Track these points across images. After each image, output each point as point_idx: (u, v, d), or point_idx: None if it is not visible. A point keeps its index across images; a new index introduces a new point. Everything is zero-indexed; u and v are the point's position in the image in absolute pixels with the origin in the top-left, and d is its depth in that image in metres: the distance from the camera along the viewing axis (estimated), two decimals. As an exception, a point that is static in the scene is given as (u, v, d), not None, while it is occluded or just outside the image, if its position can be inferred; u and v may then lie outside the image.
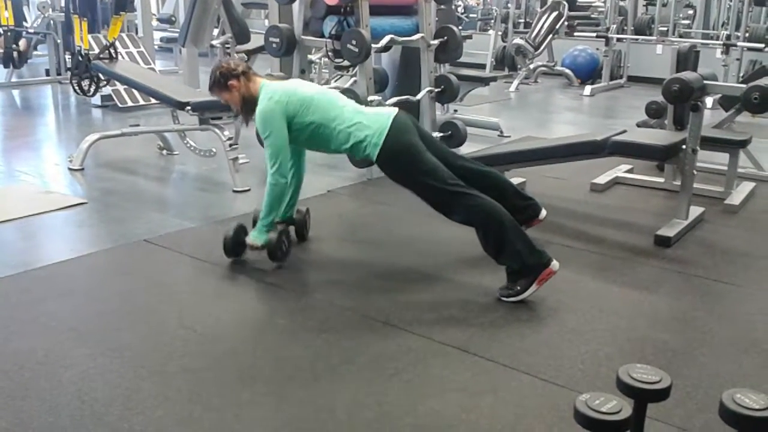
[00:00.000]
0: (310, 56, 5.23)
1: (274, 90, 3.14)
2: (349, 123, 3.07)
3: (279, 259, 3.15)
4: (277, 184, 3.11)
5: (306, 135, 3.13)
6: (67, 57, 8.43)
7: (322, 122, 3.10)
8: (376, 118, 3.06)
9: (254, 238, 3.15)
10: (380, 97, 5.07)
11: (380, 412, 2.11)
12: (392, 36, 4.98)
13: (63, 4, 8.89)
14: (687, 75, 3.78)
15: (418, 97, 5.26)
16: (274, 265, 3.16)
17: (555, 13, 9.65)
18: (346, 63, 5.20)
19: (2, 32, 7.98)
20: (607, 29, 10.09)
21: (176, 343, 2.51)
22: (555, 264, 2.88)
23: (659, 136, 4.15)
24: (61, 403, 2.12)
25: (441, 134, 5.39)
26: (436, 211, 3.05)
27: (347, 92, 4.75)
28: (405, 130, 3.05)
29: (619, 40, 10.00)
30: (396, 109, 3.14)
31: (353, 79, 5.42)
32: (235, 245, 3.20)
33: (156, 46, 9.57)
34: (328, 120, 3.09)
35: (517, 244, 2.87)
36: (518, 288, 2.87)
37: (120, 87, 6.89)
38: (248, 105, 3.20)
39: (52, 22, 8.72)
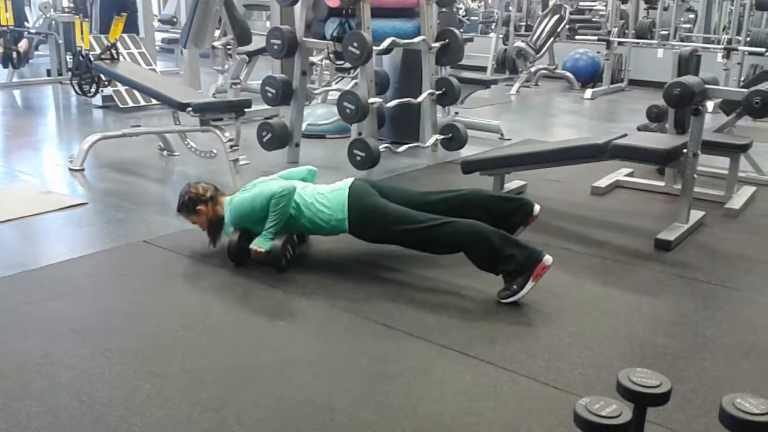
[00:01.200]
0: (311, 58, 5.24)
1: (235, 196, 3.31)
2: (312, 209, 3.19)
3: (283, 268, 3.15)
4: (284, 194, 3.12)
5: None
6: (69, 57, 8.44)
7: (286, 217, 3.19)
8: (334, 196, 3.19)
9: (259, 244, 3.15)
10: (381, 99, 5.07)
11: (380, 415, 2.11)
12: (394, 38, 4.98)
13: (65, 5, 8.92)
14: (688, 79, 3.78)
15: (419, 99, 5.26)
16: (274, 265, 3.16)
17: (556, 17, 9.66)
18: (347, 65, 5.21)
19: (2, 32, 7.98)
20: (609, 33, 10.09)
21: (176, 344, 2.51)
22: (548, 258, 2.88)
23: (660, 140, 4.15)
24: (61, 403, 2.11)
25: (442, 137, 5.40)
26: (428, 253, 3.14)
27: (348, 95, 4.76)
28: (363, 195, 3.17)
29: (620, 43, 10.01)
30: (351, 179, 3.27)
31: (354, 81, 5.42)
32: (240, 251, 3.20)
33: (157, 47, 9.59)
34: (291, 211, 3.19)
35: (507, 249, 2.88)
36: (515, 287, 2.87)
37: (121, 88, 6.89)
38: (215, 226, 3.34)
39: (53, 22, 8.73)
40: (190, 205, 3.33)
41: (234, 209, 3.23)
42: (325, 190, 3.25)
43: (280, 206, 3.11)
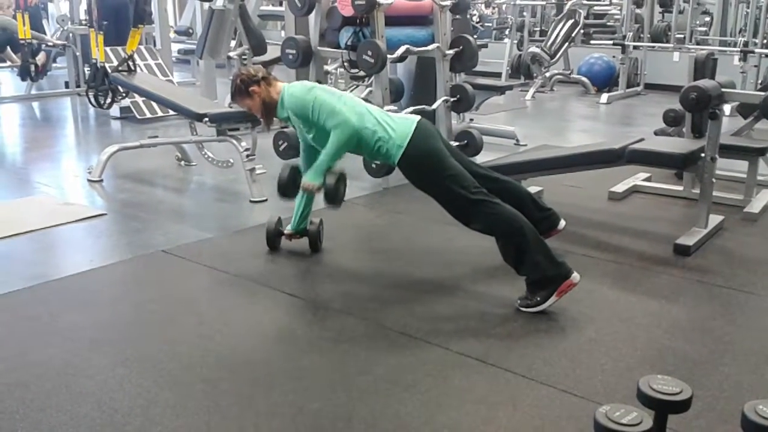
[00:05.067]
0: (326, 67, 5.26)
1: (298, 85, 3.22)
2: (374, 123, 3.06)
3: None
4: (344, 129, 3.01)
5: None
6: (86, 69, 8.53)
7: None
8: (401, 122, 3.08)
9: (311, 179, 3.12)
10: (396, 107, 5.08)
11: (398, 424, 2.11)
12: (408, 46, 4.99)
13: (81, 17, 9.01)
14: (705, 83, 3.76)
15: (434, 106, 5.26)
16: (291, 274, 3.17)
17: (571, 21, 9.63)
18: (361, 73, 5.23)
19: (20, 46, 8.07)
20: (624, 37, 10.05)
21: (194, 353, 2.52)
22: (575, 276, 2.86)
23: (677, 144, 4.13)
24: (81, 413, 2.13)
25: (457, 143, 5.39)
26: (456, 220, 3.04)
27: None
28: (429, 135, 3.05)
29: (635, 47, 9.96)
30: (419, 117, 3.15)
31: (369, 89, 5.44)
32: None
33: (174, 58, 9.66)
34: (355, 116, 3.06)
35: (538, 255, 2.85)
36: (538, 299, 2.85)
37: (138, 99, 6.96)
38: (269, 110, 3.24)
39: (71, 35, 8.83)
40: (242, 87, 3.24)
41: (294, 103, 3.11)
42: (394, 115, 3.16)
43: (341, 145, 3.03)
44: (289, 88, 3.20)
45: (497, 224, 2.91)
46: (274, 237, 3.47)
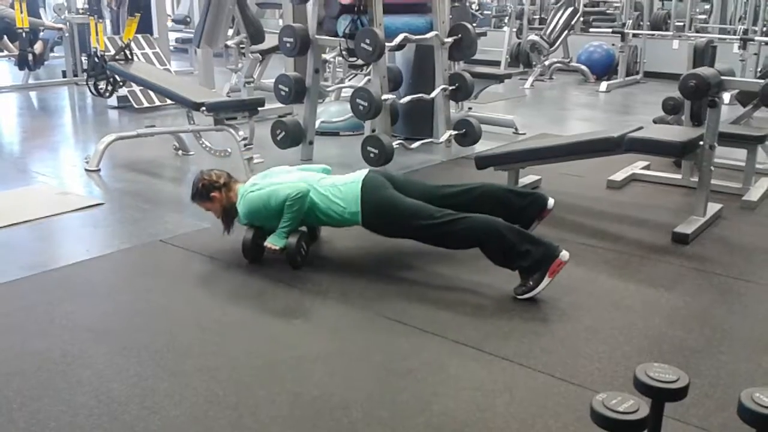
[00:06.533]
0: (324, 55, 5.24)
1: (248, 185, 3.27)
2: (325, 201, 3.17)
3: (298, 264, 3.16)
4: (298, 197, 3.11)
5: None
6: (84, 58, 8.51)
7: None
8: (347, 188, 3.16)
9: (273, 241, 3.16)
10: (394, 96, 5.06)
11: (395, 412, 2.11)
12: (406, 34, 4.97)
13: (79, 6, 8.97)
14: (704, 70, 3.75)
15: (433, 95, 5.25)
16: (288, 263, 3.17)
17: (570, 9, 9.60)
18: (360, 62, 5.21)
19: (17, 34, 8.04)
20: (623, 25, 10.02)
21: (193, 342, 2.53)
22: (564, 254, 2.86)
23: (676, 133, 4.12)
24: (79, 402, 2.13)
25: (456, 132, 5.38)
26: (437, 247, 3.13)
27: (361, 92, 4.75)
28: (376, 188, 3.14)
29: (635, 35, 9.94)
30: (366, 171, 3.24)
31: (367, 78, 5.42)
32: (254, 248, 3.21)
33: (171, 47, 9.63)
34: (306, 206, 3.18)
35: (522, 245, 2.87)
36: (531, 283, 2.86)
37: (136, 88, 6.94)
38: (228, 214, 3.32)
39: (68, 23, 8.79)
40: (203, 192, 3.32)
41: (247, 205, 3.21)
42: (339, 182, 3.23)
43: (295, 208, 3.12)
44: (242, 204, 3.23)
45: (473, 235, 2.96)
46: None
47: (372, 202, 3.12)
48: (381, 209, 3.12)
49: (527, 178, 4.53)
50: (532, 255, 2.85)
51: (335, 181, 3.26)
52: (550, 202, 3.31)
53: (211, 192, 3.31)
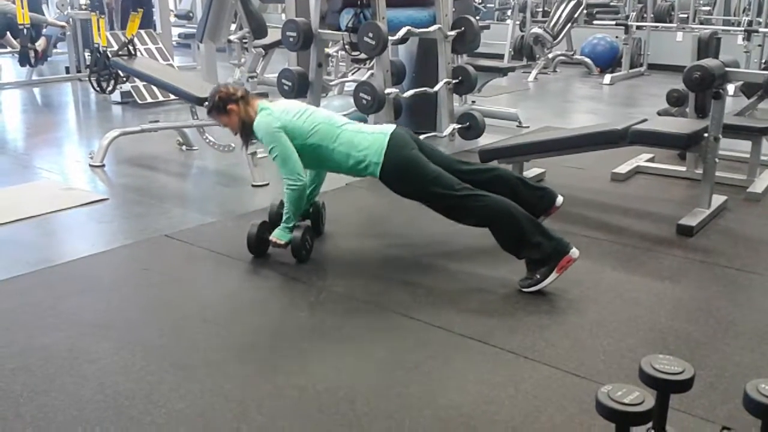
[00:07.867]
0: (327, 49, 5.23)
1: (272, 108, 3.20)
2: (348, 143, 3.10)
3: (303, 258, 3.16)
4: (294, 188, 3.11)
5: (306, 155, 3.16)
6: (87, 54, 8.50)
7: (321, 143, 3.13)
8: (374, 137, 3.08)
9: (278, 236, 3.16)
10: (398, 89, 5.06)
11: (400, 404, 2.11)
12: (409, 28, 4.97)
13: (82, 2, 8.97)
14: (708, 62, 3.73)
15: (436, 88, 5.25)
16: (293, 259, 3.17)
17: (573, 2, 9.56)
18: (363, 56, 5.20)
19: (20, 31, 8.03)
20: (627, 17, 9.99)
21: (198, 336, 2.53)
22: (574, 251, 2.86)
23: (680, 125, 4.11)
24: (85, 396, 2.14)
25: (459, 126, 5.38)
26: (449, 219, 3.09)
27: (364, 86, 4.75)
28: (403, 145, 3.07)
29: (638, 27, 9.89)
30: (393, 126, 3.17)
31: (370, 71, 5.41)
32: (259, 242, 3.21)
33: (174, 42, 9.62)
34: (328, 140, 3.12)
35: (534, 236, 2.85)
36: (538, 277, 2.86)
37: (139, 83, 6.94)
38: (246, 128, 3.25)
39: (71, 19, 8.78)
40: (220, 104, 3.25)
41: (261, 129, 3.14)
42: (366, 130, 3.17)
43: (294, 199, 3.11)
44: (259, 118, 3.17)
45: (489, 215, 2.93)
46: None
47: (396, 157, 3.03)
48: (404, 167, 3.04)
49: (531, 171, 4.52)
50: (543, 248, 2.84)
51: (362, 127, 3.20)
52: (559, 199, 3.31)
53: (228, 104, 3.23)
